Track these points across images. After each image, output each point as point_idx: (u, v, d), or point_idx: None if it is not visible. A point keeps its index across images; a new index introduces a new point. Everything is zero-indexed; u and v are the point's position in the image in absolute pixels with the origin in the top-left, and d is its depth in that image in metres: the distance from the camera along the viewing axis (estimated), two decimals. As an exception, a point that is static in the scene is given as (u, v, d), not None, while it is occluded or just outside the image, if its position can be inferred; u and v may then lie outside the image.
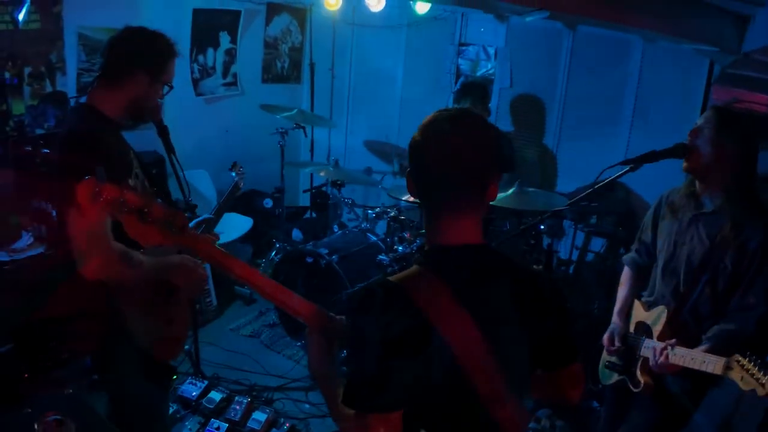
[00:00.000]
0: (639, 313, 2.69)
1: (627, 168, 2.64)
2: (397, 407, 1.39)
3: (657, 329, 2.52)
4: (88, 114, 2.27)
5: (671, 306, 2.51)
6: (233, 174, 3.21)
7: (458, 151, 1.43)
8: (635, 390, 2.59)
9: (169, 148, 2.96)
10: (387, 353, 1.36)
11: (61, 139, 2.28)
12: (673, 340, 2.39)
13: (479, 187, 1.46)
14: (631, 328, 2.69)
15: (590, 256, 5.05)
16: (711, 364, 2.23)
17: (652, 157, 2.56)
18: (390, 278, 1.46)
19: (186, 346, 4.00)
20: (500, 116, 5.35)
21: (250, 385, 3.90)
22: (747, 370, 2.10)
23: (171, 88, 2.43)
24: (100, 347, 2.36)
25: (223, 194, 3.18)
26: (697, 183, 2.49)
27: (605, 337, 2.76)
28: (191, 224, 2.60)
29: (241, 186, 3.22)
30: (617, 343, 2.69)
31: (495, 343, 1.43)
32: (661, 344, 2.41)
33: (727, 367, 2.17)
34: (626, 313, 2.75)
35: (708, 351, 2.29)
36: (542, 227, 4.33)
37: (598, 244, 4.93)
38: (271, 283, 1.63)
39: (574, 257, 4.94)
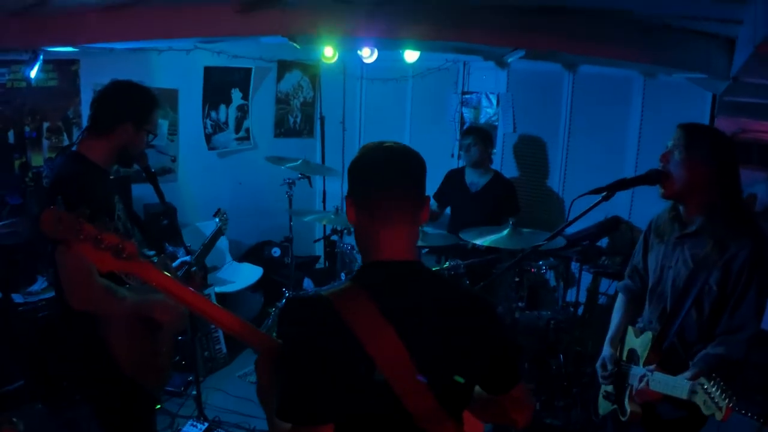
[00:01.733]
0: (630, 339, 2.61)
1: (600, 197, 2.54)
2: (327, 420, 1.40)
3: (644, 355, 2.44)
4: (76, 161, 2.45)
5: (657, 331, 2.44)
6: (216, 220, 3.33)
7: (393, 161, 1.51)
8: (623, 419, 2.50)
9: (159, 192, 3.12)
10: (313, 366, 1.38)
11: (49, 182, 2.47)
12: (653, 366, 2.32)
13: (411, 200, 1.52)
14: (624, 356, 2.61)
15: (602, 299, 4.98)
16: (679, 388, 2.17)
17: (623, 184, 2.47)
18: (321, 291, 1.49)
19: (194, 392, 4.07)
20: (505, 161, 5.41)
21: (250, 429, 3.90)
22: (709, 394, 2.04)
23: (155, 136, 2.64)
24: (88, 374, 2.49)
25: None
26: (679, 206, 2.45)
27: (597, 364, 2.68)
28: (174, 264, 2.76)
29: (224, 231, 3.34)
30: (609, 367, 2.59)
31: (424, 364, 1.43)
32: (644, 371, 2.35)
33: (692, 392, 2.11)
34: (618, 339, 2.67)
35: (693, 377, 2.19)
36: (543, 269, 4.31)
37: (607, 285, 4.86)
38: (225, 313, 1.64)
39: (582, 299, 4.86)
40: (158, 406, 2.79)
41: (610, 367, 2.60)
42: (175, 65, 5.00)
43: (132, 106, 2.49)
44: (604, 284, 4.89)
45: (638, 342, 2.53)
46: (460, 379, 1.52)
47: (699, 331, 2.35)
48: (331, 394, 1.39)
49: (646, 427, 2.46)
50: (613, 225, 4.49)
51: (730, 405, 1.99)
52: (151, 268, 1.61)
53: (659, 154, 3.69)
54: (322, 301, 1.44)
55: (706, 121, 4.52)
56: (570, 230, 4.94)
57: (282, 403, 1.41)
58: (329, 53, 4.76)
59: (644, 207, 4.73)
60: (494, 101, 5.43)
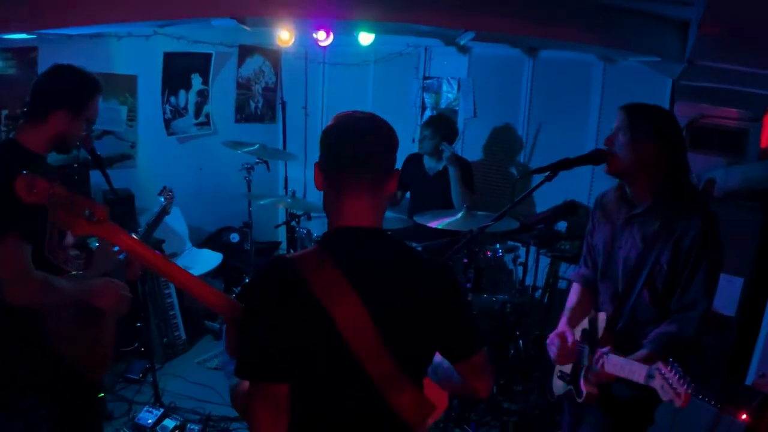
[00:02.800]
0: (585, 321, 2.58)
1: (544, 177, 2.54)
2: (283, 379, 1.43)
3: (598, 336, 2.43)
4: (10, 149, 2.39)
5: (610, 312, 2.43)
6: (161, 198, 3.28)
7: (361, 131, 1.53)
8: (579, 400, 2.47)
9: (106, 177, 3.09)
10: (272, 323, 1.42)
11: None
12: (607, 348, 2.30)
13: (379, 169, 1.55)
14: (578, 336, 2.57)
15: (562, 284, 5.02)
16: (635, 372, 2.14)
17: (566, 164, 2.47)
18: (285, 255, 1.57)
19: (149, 378, 4.04)
20: (466, 146, 5.42)
21: (205, 415, 3.89)
22: (666, 380, 2.01)
23: (92, 123, 2.58)
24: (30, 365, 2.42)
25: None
26: (626, 186, 2.44)
27: (548, 341, 2.61)
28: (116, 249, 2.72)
29: (169, 210, 3.30)
30: (556, 342, 2.52)
31: (383, 325, 1.46)
32: (598, 352, 2.32)
33: (649, 376, 2.07)
34: (571, 322, 2.61)
35: (646, 357, 2.20)
36: (498, 247, 4.33)
37: (565, 269, 4.90)
38: (188, 275, 1.68)
39: (541, 283, 4.90)
40: (101, 395, 2.74)
41: (557, 341, 2.53)
42: (134, 51, 4.93)
43: (67, 92, 2.39)
44: (564, 268, 4.94)
45: (591, 323, 2.52)
46: (421, 347, 1.58)
47: (652, 311, 2.36)
48: (289, 353, 1.43)
49: (601, 407, 2.46)
50: (570, 209, 4.51)
51: (689, 391, 1.95)
52: (120, 231, 1.68)
53: None
54: (285, 262, 1.48)
55: (666, 105, 4.55)
56: (527, 214, 4.99)
57: (240, 360, 1.45)
58: (285, 36, 4.72)
59: (598, 191, 4.75)
60: (455, 86, 5.43)
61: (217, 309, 1.70)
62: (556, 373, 2.68)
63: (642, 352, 2.25)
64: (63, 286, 2.28)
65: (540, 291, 4.89)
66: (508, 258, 4.68)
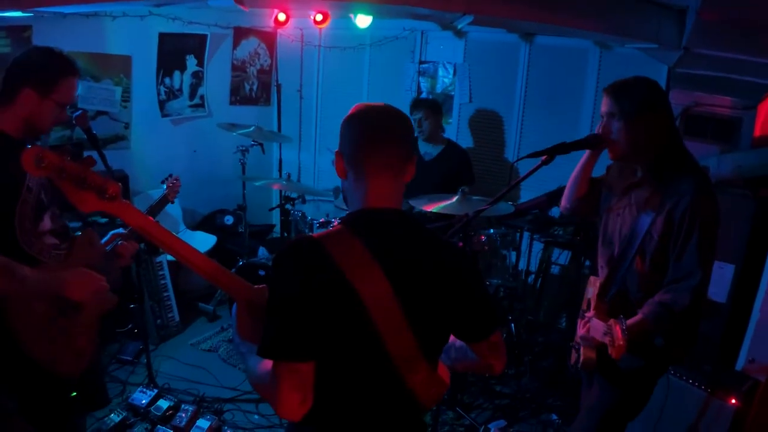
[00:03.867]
0: (589, 289, 2.61)
1: (540, 161, 2.56)
2: (307, 357, 1.45)
3: (593, 302, 2.47)
4: None
5: (603, 278, 2.47)
6: (163, 186, 3.22)
7: (385, 116, 1.62)
8: (571, 362, 2.52)
9: (102, 157, 3.08)
10: (302, 303, 1.43)
11: None
12: (592, 313, 2.36)
13: (402, 151, 1.61)
14: (584, 305, 2.62)
15: (555, 269, 5.05)
16: (597, 330, 2.23)
17: (563, 148, 2.49)
18: (312, 234, 1.60)
19: (143, 360, 4.04)
20: (461, 132, 5.43)
21: (199, 395, 3.90)
22: (612, 335, 2.08)
23: (65, 108, 2.36)
24: None
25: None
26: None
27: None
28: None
29: (171, 199, 3.22)
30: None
31: (407, 302, 1.50)
32: (587, 316, 2.39)
33: (605, 333, 2.15)
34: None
35: (637, 323, 2.24)
36: (492, 232, 4.35)
37: (558, 254, 4.94)
38: (201, 256, 1.69)
39: (534, 268, 4.93)
40: (74, 394, 2.54)
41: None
42: (129, 31, 4.89)
43: (33, 71, 2.25)
44: (557, 254, 4.97)
45: (591, 290, 2.56)
46: (440, 325, 1.62)
47: (639, 280, 2.37)
48: (317, 330, 1.45)
49: (606, 377, 2.50)
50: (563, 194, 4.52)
51: (622, 342, 2.04)
52: (131, 208, 1.66)
53: None
54: (312, 242, 1.50)
55: (661, 92, 4.56)
56: (522, 200, 5.02)
57: (265, 340, 1.46)
58: (282, 18, 4.69)
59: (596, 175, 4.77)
60: (451, 71, 5.42)
61: (229, 290, 1.71)
62: (572, 343, 2.71)
63: (634, 319, 2.27)
64: (26, 274, 2.05)
65: (533, 276, 4.92)
66: (500, 243, 4.69)
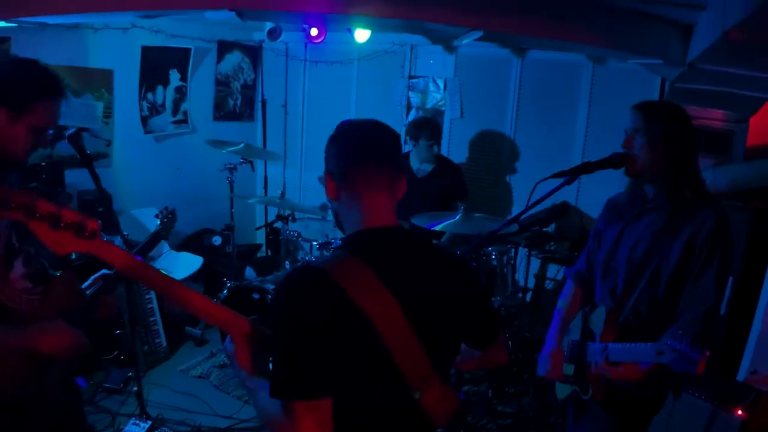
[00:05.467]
0: (585, 319, 2.56)
1: (563, 181, 2.50)
2: (326, 393, 1.38)
3: (599, 332, 2.41)
4: None
5: (610, 305, 2.41)
6: (157, 222, 2.97)
7: (372, 129, 1.58)
8: (584, 398, 2.45)
9: (95, 176, 2.90)
10: (312, 336, 1.36)
11: None
12: (611, 341, 2.29)
13: (393, 164, 1.57)
14: (577, 336, 2.55)
15: (550, 284, 5.00)
16: (644, 353, 2.13)
17: (587, 168, 2.45)
18: (312, 262, 1.51)
19: (135, 388, 3.84)
20: (452, 147, 5.36)
21: (195, 426, 3.73)
22: (678, 350, 1.98)
23: (42, 133, 2.03)
24: None
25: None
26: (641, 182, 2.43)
27: (540, 355, 2.59)
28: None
29: (165, 235, 2.97)
30: (555, 347, 2.54)
31: (419, 322, 1.46)
32: (603, 345, 2.30)
33: (658, 353, 2.06)
34: (567, 323, 2.60)
35: (660, 367, 2.15)
36: (493, 254, 4.28)
37: (555, 270, 4.89)
38: (195, 294, 1.55)
39: (531, 285, 4.88)
40: None
41: (550, 363, 2.53)
42: (111, 44, 4.73)
43: (6, 91, 1.92)
44: (552, 270, 4.92)
45: (592, 319, 2.50)
46: (451, 340, 1.62)
47: (652, 308, 2.33)
48: (331, 363, 1.38)
49: (605, 407, 2.41)
50: (562, 210, 4.51)
51: (705, 356, 1.94)
52: (114, 248, 1.47)
53: (607, 140, 3.67)
54: (315, 270, 1.44)
55: (654, 107, 4.57)
56: (512, 215, 4.97)
57: (279, 380, 1.37)
58: (276, 32, 4.57)
59: (590, 192, 4.77)
60: (441, 86, 5.36)
61: (226, 327, 1.59)
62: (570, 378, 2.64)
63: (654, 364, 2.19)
64: None
65: (531, 293, 4.86)
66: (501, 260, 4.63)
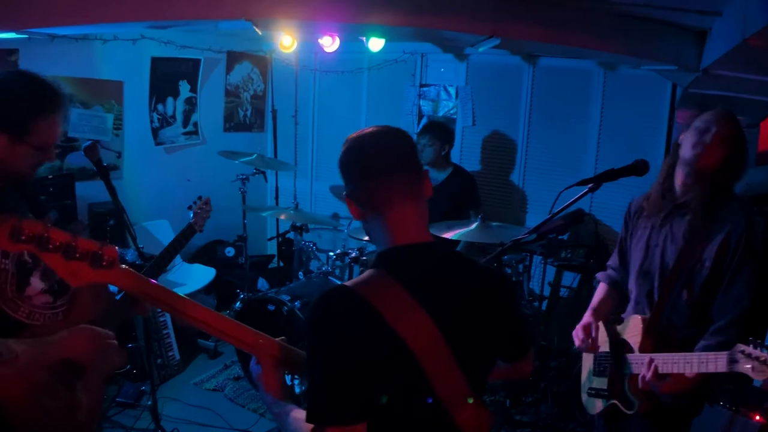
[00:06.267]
0: (612, 330, 2.51)
1: (587, 188, 2.46)
2: (362, 418, 1.33)
3: (636, 341, 2.34)
4: None
5: (647, 313, 2.38)
6: (190, 214, 2.89)
7: (385, 137, 1.48)
8: (629, 412, 2.38)
9: (111, 188, 2.87)
10: (349, 361, 1.31)
11: None
12: (650, 351, 2.25)
13: (409, 176, 1.46)
14: (606, 348, 2.49)
15: (564, 292, 4.96)
16: (712, 362, 2.04)
17: (611, 175, 2.42)
18: (345, 283, 1.42)
19: (149, 402, 3.80)
20: (464, 155, 5.33)
21: (212, 440, 3.69)
22: (756, 358, 1.90)
23: (48, 151, 1.93)
24: None
25: (188, 245, 2.77)
26: (673, 180, 2.36)
27: (577, 328, 2.52)
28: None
29: (199, 228, 2.87)
30: (593, 333, 2.47)
31: (455, 341, 1.40)
32: (647, 356, 2.24)
33: (732, 361, 1.98)
34: (598, 316, 2.55)
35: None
36: (506, 258, 4.24)
37: (570, 278, 4.85)
38: (222, 319, 1.51)
39: (547, 293, 4.83)
40: None
41: (582, 333, 2.48)
42: (120, 56, 4.70)
43: (5, 112, 1.82)
44: (567, 278, 4.88)
45: (624, 328, 2.45)
46: (487, 356, 1.55)
47: (688, 312, 2.30)
48: (367, 387, 1.33)
49: (648, 419, 2.37)
50: (578, 218, 4.47)
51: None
52: (134, 275, 1.41)
53: (621, 145, 3.60)
54: (349, 292, 1.38)
55: (666, 113, 4.57)
56: (527, 223, 4.94)
57: (314, 405, 1.33)
58: (287, 42, 4.54)
59: (603, 199, 4.74)
60: (453, 94, 5.34)
61: (255, 350, 1.55)
62: (587, 391, 2.59)
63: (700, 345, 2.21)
64: (13, 350, 1.68)
65: (546, 301, 4.81)
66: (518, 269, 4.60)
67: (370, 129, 1.51)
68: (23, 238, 1.30)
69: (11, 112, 1.82)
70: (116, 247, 1.39)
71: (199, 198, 3.01)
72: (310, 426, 1.34)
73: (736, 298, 2.19)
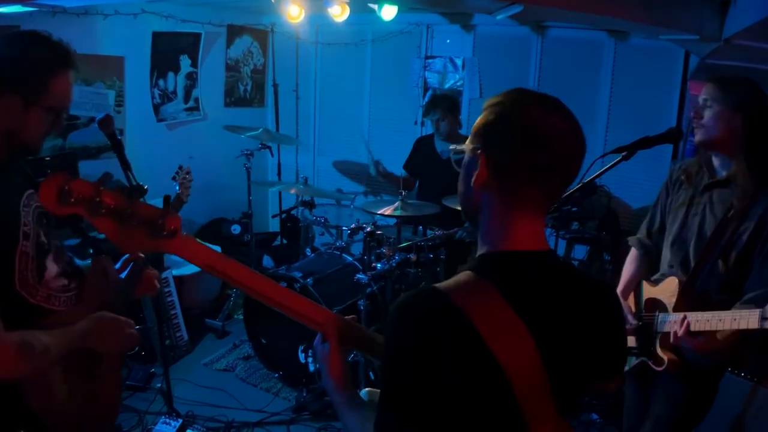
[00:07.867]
0: (648, 290, 2.53)
1: (620, 156, 2.41)
2: (440, 430, 1.20)
3: (671, 301, 2.36)
4: None
5: (682, 277, 2.37)
6: (175, 185, 2.78)
7: (572, 136, 1.24)
8: (658, 369, 2.39)
9: (126, 166, 2.76)
10: (430, 368, 1.15)
11: None
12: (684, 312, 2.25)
13: (568, 184, 1.25)
14: (641, 306, 2.53)
15: (575, 265, 4.92)
16: (744, 319, 2.04)
17: (645, 143, 2.37)
18: (438, 286, 1.22)
19: (158, 384, 3.73)
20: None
21: (227, 422, 3.62)
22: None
23: (61, 114, 1.81)
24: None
25: (190, 223, 2.76)
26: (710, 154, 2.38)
27: None
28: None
29: (184, 198, 2.78)
30: (632, 322, 2.49)
31: (553, 365, 1.22)
32: (681, 314, 2.25)
33: (764, 318, 1.97)
34: (630, 291, 2.60)
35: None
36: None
37: (581, 251, 4.80)
38: (281, 289, 1.39)
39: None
40: None
41: (633, 320, 2.50)
42: (121, 30, 4.56)
43: (15, 71, 1.69)
44: (578, 251, 4.84)
45: (659, 290, 2.46)
46: (584, 377, 1.35)
47: (722, 282, 2.28)
48: (449, 408, 1.18)
49: (678, 377, 2.39)
50: (592, 189, 4.40)
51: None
52: (195, 244, 1.27)
53: (631, 116, 3.53)
54: (445, 302, 1.17)
55: (678, 84, 4.49)
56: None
57: (385, 416, 1.20)
58: (295, 12, 4.41)
59: (615, 172, 4.66)
60: (459, 66, 5.23)
61: (323, 328, 1.43)
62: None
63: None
64: (44, 344, 1.60)
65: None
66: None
67: (568, 113, 1.27)
68: (72, 200, 1.20)
69: (24, 71, 1.70)
70: (179, 216, 1.25)
71: (180, 168, 2.91)
72: None
73: None
